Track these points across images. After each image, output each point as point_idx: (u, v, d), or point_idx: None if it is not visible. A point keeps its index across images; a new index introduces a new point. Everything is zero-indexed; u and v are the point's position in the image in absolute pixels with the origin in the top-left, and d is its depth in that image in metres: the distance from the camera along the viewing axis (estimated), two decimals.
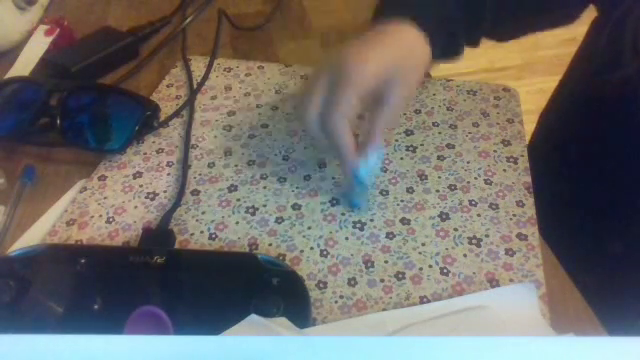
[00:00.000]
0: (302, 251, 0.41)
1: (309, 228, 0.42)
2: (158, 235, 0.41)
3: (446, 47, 0.47)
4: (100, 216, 0.44)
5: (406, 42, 0.43)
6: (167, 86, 0.57)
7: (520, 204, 0.44)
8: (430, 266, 0.39)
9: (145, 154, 0.49)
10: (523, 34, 0.57)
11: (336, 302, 0.37)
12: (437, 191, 0.45)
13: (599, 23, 0.56)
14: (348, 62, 0.39)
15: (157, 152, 0.49)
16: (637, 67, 0.44)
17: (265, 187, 0.45)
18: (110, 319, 0.35)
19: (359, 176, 0.41)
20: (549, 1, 0.52)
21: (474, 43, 0.51)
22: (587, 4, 0.54)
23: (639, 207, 0.51)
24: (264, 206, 0.44)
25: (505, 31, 0.56)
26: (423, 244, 0.41)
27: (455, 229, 0.42)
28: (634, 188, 0.51)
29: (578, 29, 0.59)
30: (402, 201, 0.44)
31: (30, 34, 0.62)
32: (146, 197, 0.45)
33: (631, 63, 0.44)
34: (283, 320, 0.33)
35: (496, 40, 0.57)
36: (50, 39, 0.60)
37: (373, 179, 0.43)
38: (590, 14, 0.56)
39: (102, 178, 0.47)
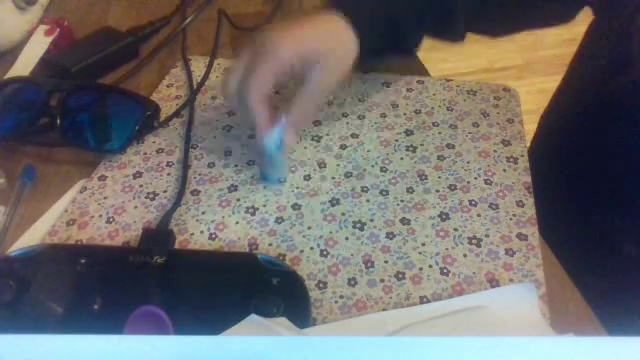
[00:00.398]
0: (302, 251, 0.41)
1: (309, 228, 0.42)
2: (158, 235, 0.41)
3: (386, 45, 0.48)
4: (100, 216, 0.44)
5: (332, 31, 0.44)
6: (167, 86, 0.57)
7: (520, 204, 0.44)
8: (430, 266, 0.39)
9: (145, 154, 0.49)
10: (516, 31, 0.57)
11: (336, 302, 0.37)
12: (437, 191, 0.45)
13: (600, 23, 0.55)
14: (270, 38, 0.42)
15: (157, 152, 0.49)
16: None
17: (265, 187, 0.45)
18: (110, 319, 0.35)
19: (264, 146, 0.43)
20: None
21: (455, 39, 0.52)
22: (582, 5, 0.54)
23: (627, 217, 0.51)
24: (264, 206, 0.44)
25: (496, 27, 0.56)
26: (423, 244, 0.41)
27: (455, 229, 0.42)
28: (617, 188, 0.51)
29: (578, 29, 0.59)
30: (402, 201, 0.44)
31: (30, 34, 0.62)
32: (146, 197, 0.45)
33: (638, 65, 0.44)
34: (283, 320, 0.33)
35: (489, 36, 0.57)
36: (50, 39, 0.60)
37: (276, 152, 0.43)
38: (588, 13, 0.56)
39: (102, 178, 0.47)
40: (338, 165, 0.47)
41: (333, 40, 0.44)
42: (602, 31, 0.52)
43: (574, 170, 0.57)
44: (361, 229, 0.42)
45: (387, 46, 0.48)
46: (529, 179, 0.46)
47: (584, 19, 0.57)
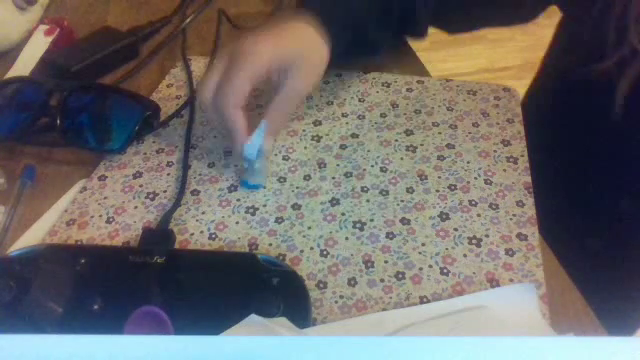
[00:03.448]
0: (302, 251, 0.41)
1: (309, 228, 0.42)
2: (158, 235, 0.41)
3: (354, 46, 0.49)
4: (100, 216, 0.44)
5: (306, 34, 0.45)
6: (167, 86, 0.57)
7: (520, 204, 0.44)
8: (430, 266, 0.39)
9: (145, 154, 0.49)
10: (475, 29, 0.58)
11: (336, 302, 0.37)
12: (437, 191, 0.45)
13: (568, 22, 0.56)
14: (244, 47, 0.42)
15: (157, 152, 0.49)
16: (618, 58, 0.45)
17: (265, 187, 0.45)
18: (110, 319, 0.35)
19: (245, 154, 0.43)
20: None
21: (418, 35, 0.54)
22: (544, 8, 0.55)
23: (619, 206, 0.51)
24: (264, 206, 0.44)
25: (453, 24, 0.57)
26: (423, 244, 0.41)
27: (455, 229, 0.42)
28: (614, 185, 0.51)
29: None
30: (402, 201, 0.44)
31: (30, 34, 0.62)
32: (146, 197, 0.45)
33: (613, 54, 0.45)
34: (283, 320, 0.33)
35: (447, 32, 0.58)
36: (50, 39, 0.60)
37: (256, 159, 0.43)
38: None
39: (102, 178, 0.47)
40: (338, 165, 0.47)
41: (308, 43, 0.45)
42: (571, 29, 0.53)
43: (557, 167, 0.57)
44: (361, 229, 0.42)
45: (355, 47, 0.49)
46: (529, 179, 0.46)
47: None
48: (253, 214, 0.43)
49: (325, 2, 0.47)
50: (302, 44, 0.44)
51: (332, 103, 0.54)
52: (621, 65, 0.45)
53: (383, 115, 0.52)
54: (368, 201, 0.44)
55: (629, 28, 0.43)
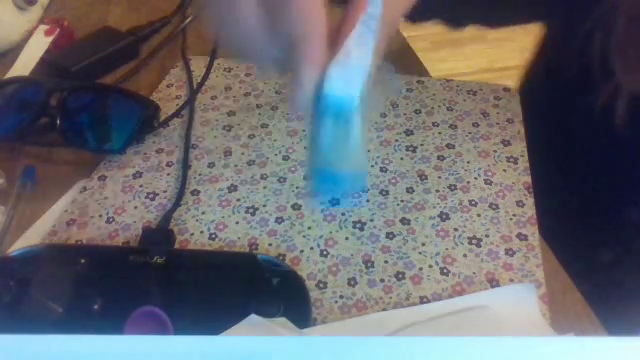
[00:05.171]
0: (302, 251, 0.41)
1: (309, 228, 0.42)
2: (158, 235, 0.41)
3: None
4: (100, 216, 0.44)
5: None
6: (167, 86, 0.57)
7: (520, 204, 0.44)
8: (430, 266, 0.39)
9: (145, 154, 0.49)
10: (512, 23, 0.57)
11: (336, 302, 0.37)
12: (437, 191, 0.45)
13: (554, 38, 0.55)
14: None
15: (157, 152, 0.49)
16: (610, 91, 0.42)
17: (265, 187, 0.45)
18: (110, 319, 0.35)
19: (323, 97, 0.23)
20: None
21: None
22: (530, 22, 0.54)
23: (626, 217, 0.51)
24: (264, 206, 0.44)
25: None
26: (423, 244, 0.41)
27: (455, 229, 0.42)
28: (615, 185, 0.51)
29: None
30: (402, 201, 0.44)
31: (30, 34, 0.62)
32: (146, 197, 0.45)
33: (603, 86, 0.43)
34: (283, 320, 0.33)
35: (487, 26, 0.57)
36: (50, 39, 0.60)
37: (360, 96, 0.25)
38: None
39: (102, 178, 0.47)
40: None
41: None
42: (564, 47, 0.50)
43: (567, 169, 0.57)
44: (361, 229, 0.42)
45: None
46: (529, 179, 0.46)
47: None
48: (253, 214, 0.43)
49: None
50: None
51: None
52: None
53: (383, 115, 0.52)
54: (368, 201, 0.44)
55: (611, 59, 0.40)
